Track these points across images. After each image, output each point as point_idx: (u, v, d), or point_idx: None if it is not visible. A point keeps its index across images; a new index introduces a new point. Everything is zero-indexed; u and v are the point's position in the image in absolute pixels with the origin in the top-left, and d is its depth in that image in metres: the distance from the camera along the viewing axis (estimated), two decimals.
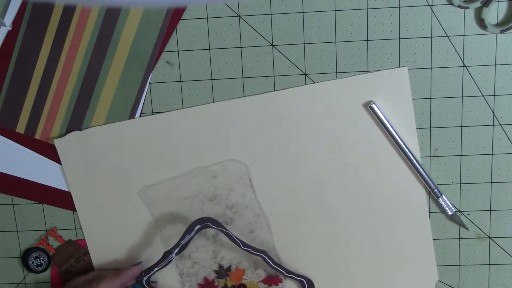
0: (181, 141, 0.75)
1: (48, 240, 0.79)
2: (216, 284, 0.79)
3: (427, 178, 0.74)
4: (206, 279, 0.79)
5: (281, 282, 0.79)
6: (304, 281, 0.76)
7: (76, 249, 0.79)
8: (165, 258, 0.74)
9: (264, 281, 0.79)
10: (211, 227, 0.73)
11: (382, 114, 0.72)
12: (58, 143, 0.75)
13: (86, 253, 0.79)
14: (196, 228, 0.73)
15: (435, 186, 0.74)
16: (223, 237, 0.76)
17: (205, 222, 0.73)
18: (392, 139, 0.73)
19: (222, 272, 0.78)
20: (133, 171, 0.76)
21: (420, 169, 0.73)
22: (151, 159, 0.75)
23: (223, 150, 0.75)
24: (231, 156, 0.75)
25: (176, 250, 0.74)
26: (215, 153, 0.75)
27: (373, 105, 0.72)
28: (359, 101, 0.73)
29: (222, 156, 0.75)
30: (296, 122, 0.74)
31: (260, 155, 0.75)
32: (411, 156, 0.73)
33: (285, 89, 0.73)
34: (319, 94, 0.73)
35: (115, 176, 0.76)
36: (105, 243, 0.78)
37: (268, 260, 0.74)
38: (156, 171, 0.76)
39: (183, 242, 0.74)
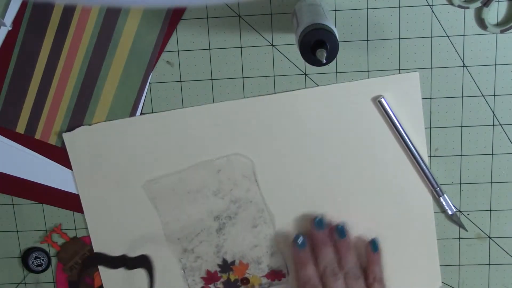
0: (186, 135, 0.75)
1: (52, 237, 0.79)
2: (219, 277, 0.79)
3: (430, 176, 0.73)
4: (208, 272, 0.79)
5: (284, 277, 0.79)
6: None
7: (81, 246, 0.79)
8: None
9: (267, 275, 0.79)
10: None
11: (390, 108, 0.71)
12: (66, 137, 0.75)
13: (91, 250, 0.79)
14: None
15: (438, 185, 0.74)
16: (226, 231, 0.76)
17: None
18: (401, 139, 0.72)
19: (226, 266, 0.78)
20: (139, 165, 0.76)
21: (424, 168, 0.73)
22: (156, 153, 0.75)
23: (228, 144, 0.75)
24: (236, 151, 0.75)
25: None
26: (220, 147, 0.75)
27: (382, 99, 0.71)
28: (368, 103, 0.72)
29: (227, 150, 0.75)
30: (302, 119, 0.73)
31: (265, 150, 0.75)
32: (417, 155, 0.72)
33: (287, 91, 0.73)
34: (328, 96, 0.73)
35: (121, 171, 0.76)
36: (109, 236, 0.78)
37: None
38: (160, 165, 0.76)
39: None
